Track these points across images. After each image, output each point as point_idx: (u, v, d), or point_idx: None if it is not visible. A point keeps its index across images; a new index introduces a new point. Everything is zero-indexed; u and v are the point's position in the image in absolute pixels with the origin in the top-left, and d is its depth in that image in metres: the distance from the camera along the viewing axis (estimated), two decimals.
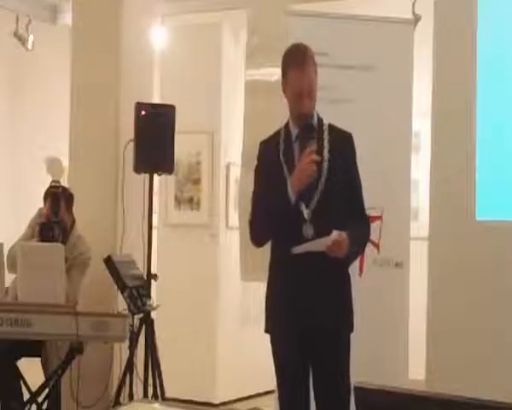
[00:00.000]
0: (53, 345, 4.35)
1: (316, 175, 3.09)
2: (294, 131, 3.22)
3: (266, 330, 3.23)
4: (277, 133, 3.28)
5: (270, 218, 3.17)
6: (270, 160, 3.21)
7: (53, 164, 4.52)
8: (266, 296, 3.25)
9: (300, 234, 3.10)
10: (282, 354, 3.16)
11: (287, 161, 3.17)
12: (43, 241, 4.35)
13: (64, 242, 4.43)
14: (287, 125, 3.26)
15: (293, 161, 3.15)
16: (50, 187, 4.53)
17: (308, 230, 3.11)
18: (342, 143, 3.24)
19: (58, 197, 4.48)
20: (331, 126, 3.26)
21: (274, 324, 3.20)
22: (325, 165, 3.15)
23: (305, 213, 3.11)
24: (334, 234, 3.01)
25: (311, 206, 3.12)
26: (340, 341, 3.16)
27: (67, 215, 4.62)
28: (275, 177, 3.16)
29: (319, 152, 3.14)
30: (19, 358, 4.37)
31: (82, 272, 4.56)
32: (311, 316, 3.09)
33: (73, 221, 4.68)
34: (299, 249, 3.05)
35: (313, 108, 3.21)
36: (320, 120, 3.25)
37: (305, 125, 3.18)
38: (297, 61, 3.17)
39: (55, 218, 4.44)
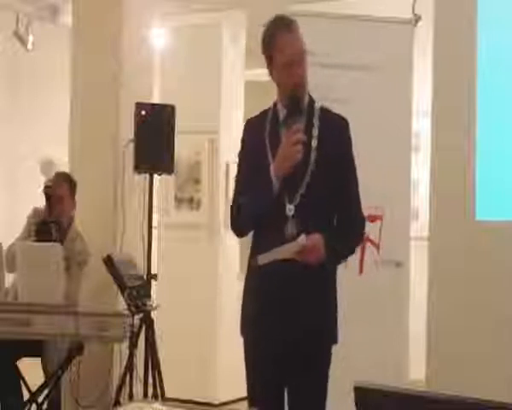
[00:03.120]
0: (52, 345, 4.35)
1: (301, 158, 2.70)
2: (282, 111, 2.85)
3: (242, 333, 2.91)
4: (265, 113, 2.92)
5: (251, 208, 2.81)
6: (255, 141, 2.86)
7: (45, 165, 4.51)
8: (242, 297, 2.92)
9: (281, 232, 2.72)
10: (254, 368, 2.85)
11: (272, 144, 2.80)
12: (39, 241, 4.35)
13: (62, 240, 4.43)
14: (275, 104, 2.90)
15: (279, 145, 2.76)
16: (44, 187, 4.51)
17: (290, 228, 2.73)
18: (335, 129, 2.85)
19: (51, 197, 4.46)
20: (324, 110, 2.88)
21: (247, 330, 2.88)
22: (313, 155, 2.77)
23: (288, 208, 2.75)
24: (302, 239, 2.63)
25: (294, 201, 2.75)
26: (320, 355, 2.82)
27: (70, 202, 4.63)
28: (258, 162, 2.80)
29: (307, 139, 2.77)
30: (19, 358, 4.37)
31: (81, 269, 4.56)
32: (287, 326, 2.75)
33: (72, 218, 4.67)
34: (263, 260, 2.68)
35: (305, 81, 2.84)
36: (311, 102, 2.87)
37: (294, 100, 2.80)
38: (285, 24, 2.79)
39: (51, 217, 4.43)
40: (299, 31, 2.82)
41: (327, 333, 2.85)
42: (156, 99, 5.96)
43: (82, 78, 5.23)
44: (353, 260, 4.39)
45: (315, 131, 2.82)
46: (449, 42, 4.65)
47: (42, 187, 4.55)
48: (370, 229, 4.40)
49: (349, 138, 2.90)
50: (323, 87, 4.37)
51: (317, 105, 2.89)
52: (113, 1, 5.23)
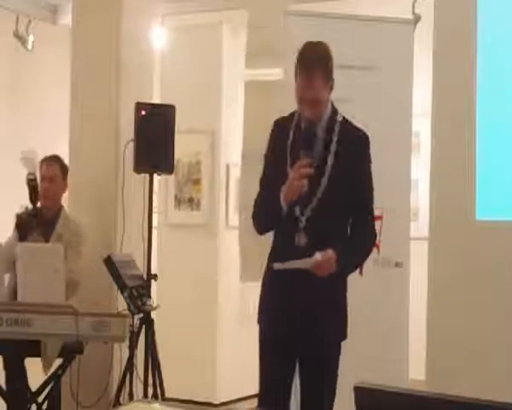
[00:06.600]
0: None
1: (306, 190, 2.85)
2: (304, 124, 2.98)
3: (258, 321, 3.11)
4: (292, 115, 3.05)
5: (266, 216, 3.02)
6: (279, 146, 3.00)
7: (27, 158, 4.44)
8: (261, 290, 3.11)
9: (292, 242, 2.90)
10: (268, 357, 3.09)
11: (292, 152, 2.94)
12: (20, 234, 4.30)
13: (50, 231, 4.45)
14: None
15: (298, 155, 2.90)
16: (28, 178, 4.43)
17: (301, 239, 2.90)
18: (353, 146, 2.99)
19: (34, 187, 4.40)
20: (344, 126, 3.00)
21: (264, 320, 3.08)
22: (327, 172, 2.91)
23: (300, 220, 2.91)
24: (317, 256, 2.79)
25: (306, 213, 2.91)
26: (331, 350, 3.01)
27: (61, 183, 4.66)
28: (278, 167, 2.95)
29: (323, 157, 2.92)
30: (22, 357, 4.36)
31: (78, 252, 4.53)
32: (300, 323, 2.93)
33: (60, 209, 4.67)
34: (279, 266, 2.86)
35: (319, 113, 2.95)
36: (332, 119, 2.99)
37: (305, 132, 2.95)
38: (304, 68, 2.91)
39: (33, 210, 4.36)
40: (319, 72, 2.90)
41: (340, 333, 3.02)
42: (156, 99, 5.96)
43: (82, 78, 5.23)
44: None
45: (333, 147, 2.94)
46: (449, 42, 4.65)
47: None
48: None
49: (368, 155, 3.04)
50: None
51: (339, 117, 3.00)
52: (113, 1, 5.23)
